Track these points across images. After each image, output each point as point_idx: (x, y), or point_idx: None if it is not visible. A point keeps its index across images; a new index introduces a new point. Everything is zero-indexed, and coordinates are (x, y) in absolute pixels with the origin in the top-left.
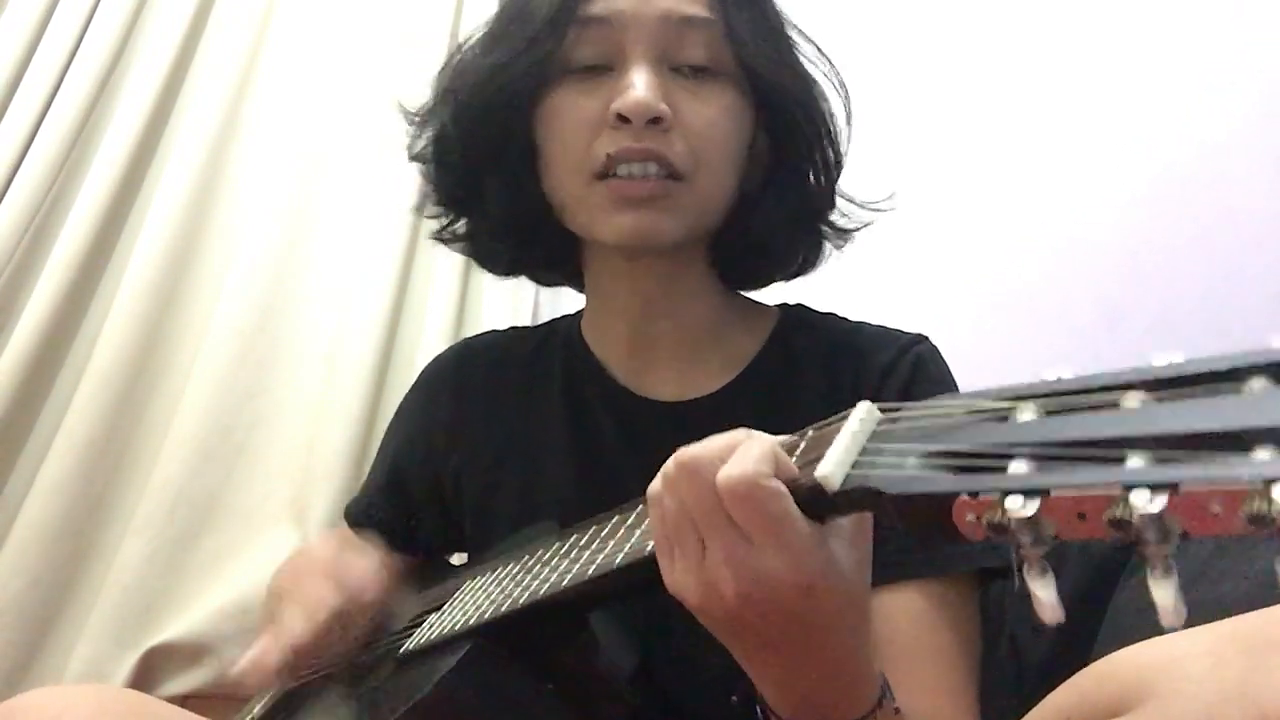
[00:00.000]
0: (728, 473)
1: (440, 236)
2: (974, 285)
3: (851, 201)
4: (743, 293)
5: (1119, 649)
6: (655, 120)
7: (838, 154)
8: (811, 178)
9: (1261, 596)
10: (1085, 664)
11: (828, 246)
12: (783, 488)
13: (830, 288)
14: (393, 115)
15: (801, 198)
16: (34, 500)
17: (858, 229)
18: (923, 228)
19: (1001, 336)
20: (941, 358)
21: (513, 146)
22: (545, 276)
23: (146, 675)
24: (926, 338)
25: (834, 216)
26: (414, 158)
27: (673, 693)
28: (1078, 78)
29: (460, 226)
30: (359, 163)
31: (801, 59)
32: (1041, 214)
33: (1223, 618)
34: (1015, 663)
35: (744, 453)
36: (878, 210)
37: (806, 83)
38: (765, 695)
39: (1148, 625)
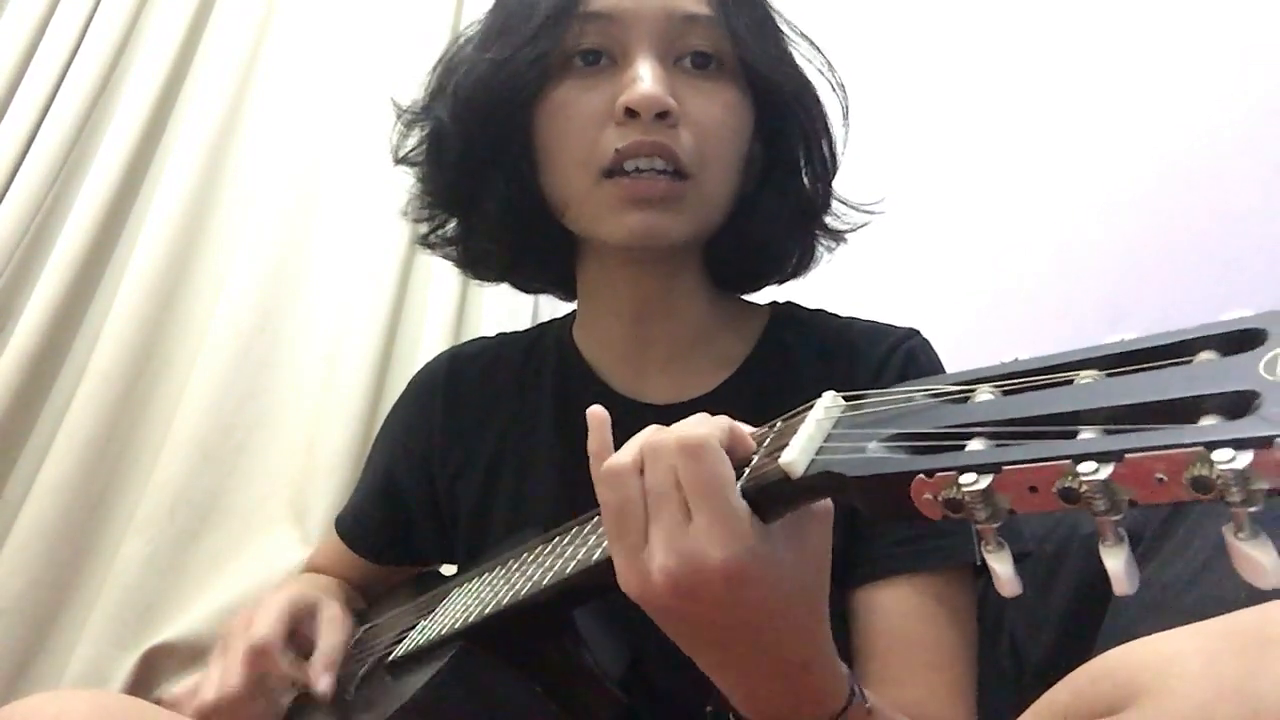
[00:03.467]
0: (686, 430)
1: (427, 241)
2: (974, 285)
3: (845, 203)
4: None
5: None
6: (663, 115)
7: (833, 154)
8: (807, 177)
9: (1262, 595)
10: (1084, 663)
11: (820, 251)
12: (725, 455)
13: (829, 286)
14: (393, 116)
15: (797, 199)
16: (34, 500)
17: (851, 230)
18: (923, 227)
19: (1002, 336)
20: (933, 351)
21: (514, 143)
22: (532, 284)
23: (146, 676)
24: (918, 331)
25: (828, 218)
26: (400, 160)
27: (663, 691)
28: (1078, 77)
29: (450, 230)
30: (359, 163)
31: (799, 58)
32: (1042, 213)
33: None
34: (1015, 662)
35: (703, 419)
36: (870, 212)
37: (804, 82)
38: (725, 695)
39: (1148, 625)
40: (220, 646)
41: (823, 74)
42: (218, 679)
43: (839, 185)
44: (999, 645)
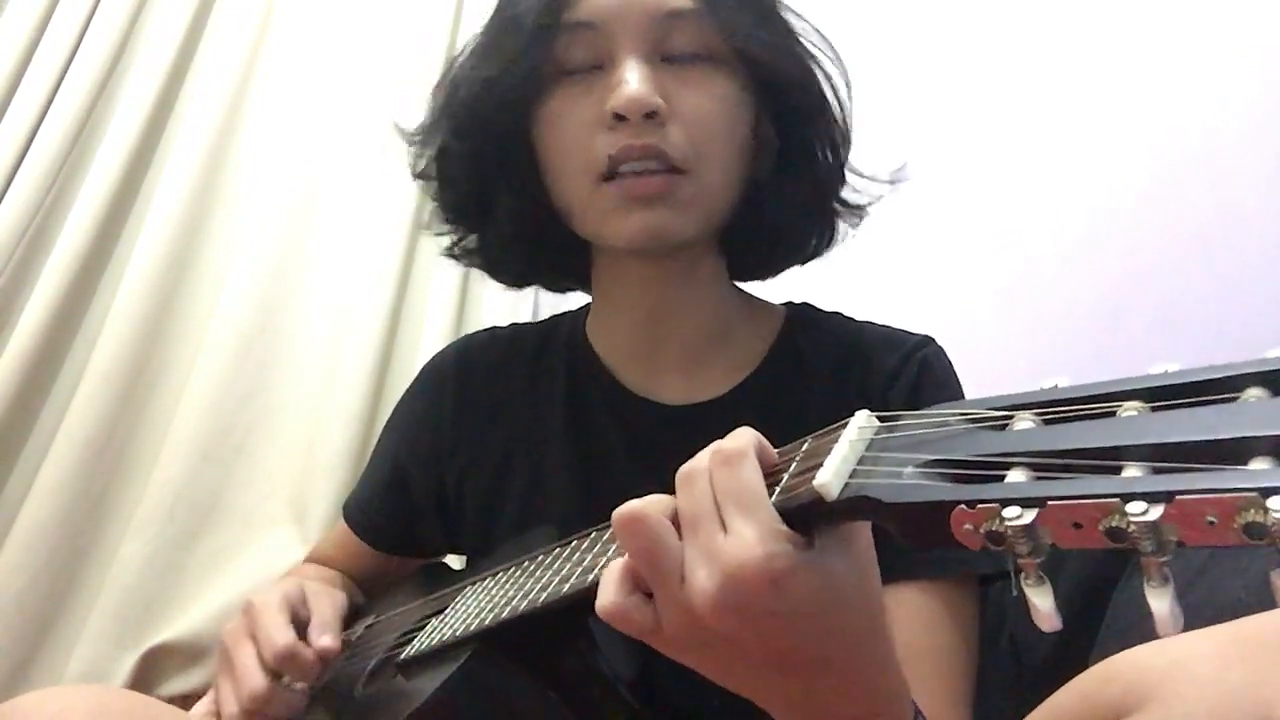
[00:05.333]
0: (722, 443)
1: (451, 253)
2: (974, 284)
3: (861, 175)
4: (753, 288)
5: (1119, 649)
6: (651, 114)
7: (844, 131)
8: (820, 156)
9: (1261, 598)
10: (1085, 664)
11: (842, 228)
12: (759, 466)
13: (833, 286)
14: (393, 115)
15: (813, 179)
16: (34, 500)
17: (870, 203)
18: (923, 227)
19: (1002, 336)
20: (947, 360)
21: (516, 156)
22: (557, 284)
23: (146, 675)
24: (932, 339)
25: (845, 193)
26: (418, 176)
27: (674, 697)
28: (1079, 77)
29: (470, 241)
30: (359, 163)
31: (797, 38)
32: (1042, 213)
33: (1222, 620)
34: (1015, 663)
35: (739, 433)
36: (890, 183)
37: (803, 63)
38: None
39: (1148, 626)
40: (223, 658)
41: (820, 50)
42: (236, 687)
43: (852, 161)
44: (999, 645)
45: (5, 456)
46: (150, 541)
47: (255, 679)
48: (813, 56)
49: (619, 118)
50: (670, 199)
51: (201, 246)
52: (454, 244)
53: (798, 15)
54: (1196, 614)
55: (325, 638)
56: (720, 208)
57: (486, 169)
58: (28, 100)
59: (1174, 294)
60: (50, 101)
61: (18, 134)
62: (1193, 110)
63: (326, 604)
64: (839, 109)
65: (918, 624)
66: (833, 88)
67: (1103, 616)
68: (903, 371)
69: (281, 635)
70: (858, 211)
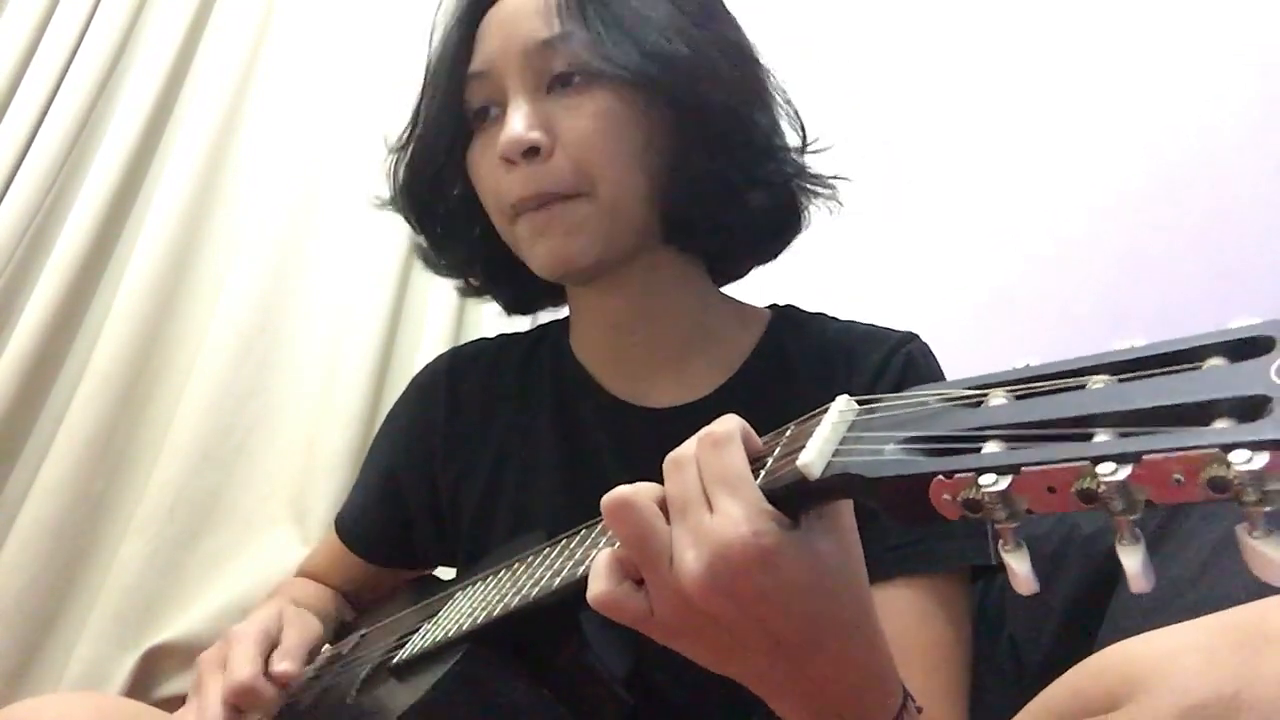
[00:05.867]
0: (710, 427)
1: (439, 272)
2: (974, 284)
3: (805, 151)
4: (734, 293)
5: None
6: (533, 151)
7: (756, 125)
8: (735, 150)
9: (1259, 598)
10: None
11: (805, 217)
12: (744, 450)
13: (828, 287)
14: (393, 115)
15: (724, 174)
16: (34, 500)
17: (828, 194)
18: (922, 227)
19: (1002, 336)
20: (932, 355)
21: (459, 199)
22: (537, 305)
23: (146, 676)
24: (916, 336)
25: (797, 183)
26: (385, 206)
27: (668, 693)
28: (1078, 76)
29: (458, 279)
30: (359, 163)
31: (689, 37)
32: (1041, 213)
33: None
34: (1015, 663)
35: (725, 419)
36: (834, 179)
37: (698, 67)
38: (778, 712)
39: (1149, 624)
40: (194, 685)
41: (730, 39)
42: (200, 715)
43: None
44: (999, 645)
45: (5, 456)
46: (150, 541)
47: (214, 711)
48: (722, 60)
49: (508, 160)
50: (564, 225)
51: (201, 246)
52: (437, 264)
53: (697, 21)
54: (1196, 613)
55: (284, 663)
56: (626, 220)
57: (440, 209)
58: (28, 100)
59: (1173, 294)
60: (50, 101)
61: (18, 134)
62: (1191, 109)
63: (295, 632)
64: (745, 106)
65: (910, 619)
66: (743, 87)
67: (1103, 616)
68: (888, 367)
69: (243, 671)
70: (813, 194)
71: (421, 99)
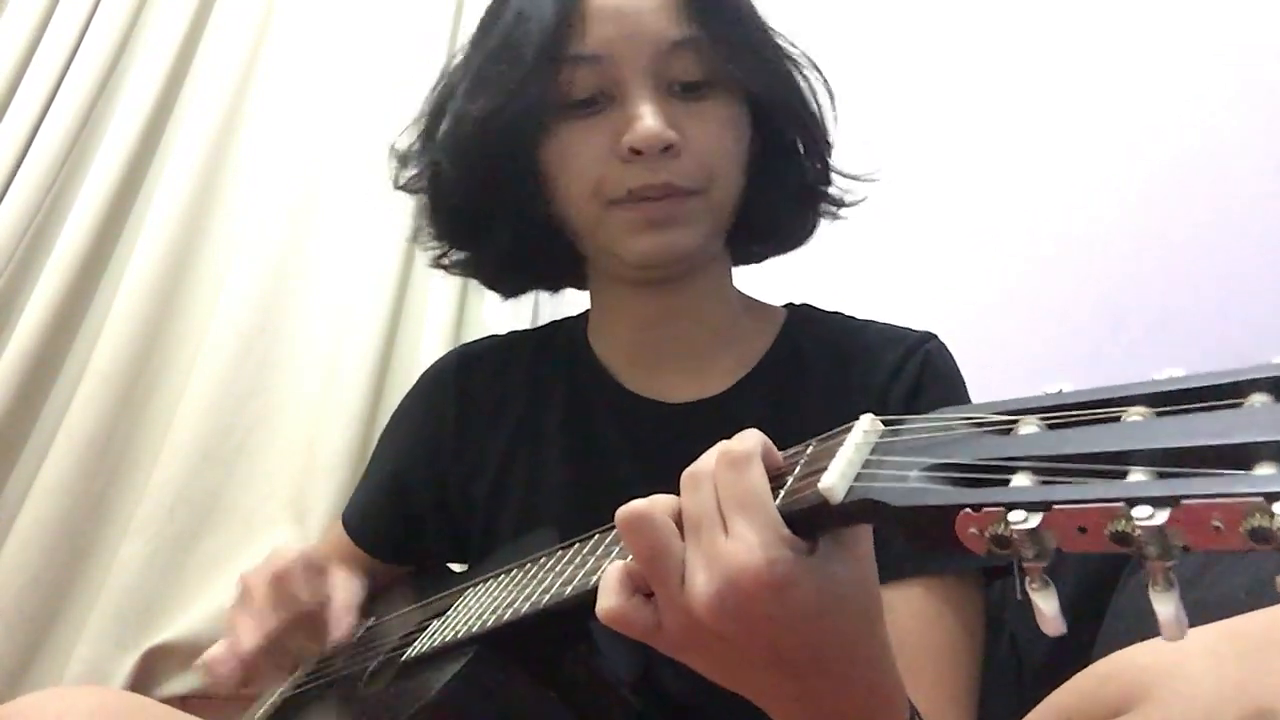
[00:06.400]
0: (729, 444)
1: (439, 264)
2: (974, 284)
3: (843, 174)
4: (753, 290)
5: (1119, 650)
6: (667, 148)
7: (824, 133)
8: (805, 158)
9: (1260, 598)
10: (1085, 664)
11: (820, 220)
12: (764, 469)
13: (833, 286)
14: (393, 115)
15: (800, 182)
16: (34, 500)
17: (852, 204)
18: (923, 227)
19: (1002, 336)
20: (950, 355)
21: (518, 182)
22: (554, 287)
23: (146, 675)
24: (934, 335)
25: (829, 189)
26: (401, 188)
27: (677, 698)
28: (1079, 76)
29: (458, 254)
30: (359, 163)
31: (785, 55)
32: (1042, 213)
33: (1222, 618)
34: (1015, 663)
35: (745, 434)
36: (857, 178)
37: (792, 79)
38: None
39: (1148, 627)
40: (237, 609)
41: (802, 62)
42: (250, 627)
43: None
44: (999, 645)
45: (5, 456)
46: (150, 541)
47: (269, 619)
48: (801, 72)
49: (635, 152)
50: (681, 219)
51: (201, 246)
52: (440, 255)
53: (776, 32)
54: (1195, 613)
55: (344, 622)
56: (724, 219)
57: (484, 196)
58: (28, 100)
59: (1174, 295)
60: (50, 101)
61: (18, 134)
62: (1192, 110)
63: (349, 592)
64: (819, 115)
65: (920, 621)
66: (814, 97)
67: (1103, 616)
68: (905, 367)
69: (250, 639)
70: (837, 204)
71: (464, 73)
